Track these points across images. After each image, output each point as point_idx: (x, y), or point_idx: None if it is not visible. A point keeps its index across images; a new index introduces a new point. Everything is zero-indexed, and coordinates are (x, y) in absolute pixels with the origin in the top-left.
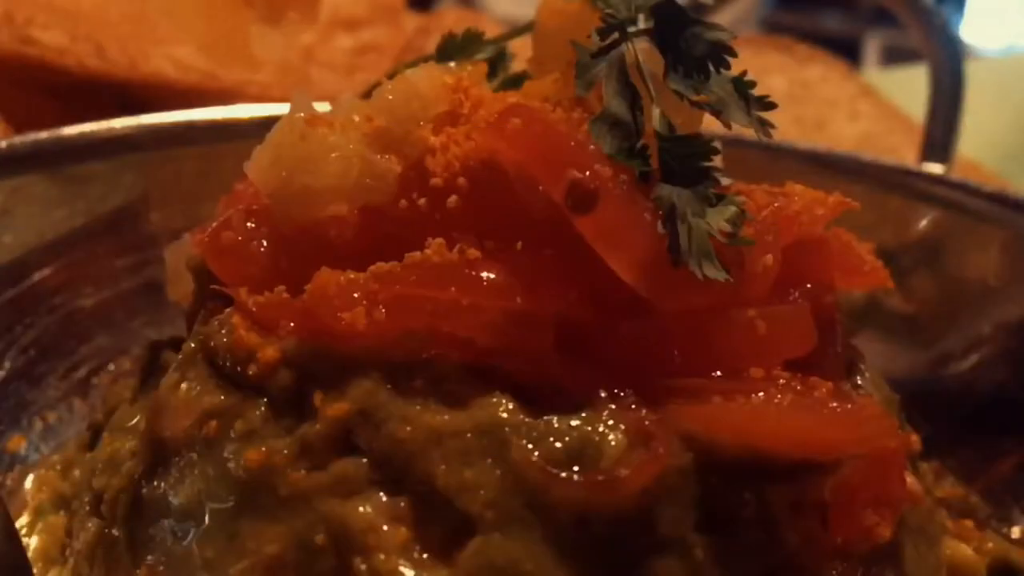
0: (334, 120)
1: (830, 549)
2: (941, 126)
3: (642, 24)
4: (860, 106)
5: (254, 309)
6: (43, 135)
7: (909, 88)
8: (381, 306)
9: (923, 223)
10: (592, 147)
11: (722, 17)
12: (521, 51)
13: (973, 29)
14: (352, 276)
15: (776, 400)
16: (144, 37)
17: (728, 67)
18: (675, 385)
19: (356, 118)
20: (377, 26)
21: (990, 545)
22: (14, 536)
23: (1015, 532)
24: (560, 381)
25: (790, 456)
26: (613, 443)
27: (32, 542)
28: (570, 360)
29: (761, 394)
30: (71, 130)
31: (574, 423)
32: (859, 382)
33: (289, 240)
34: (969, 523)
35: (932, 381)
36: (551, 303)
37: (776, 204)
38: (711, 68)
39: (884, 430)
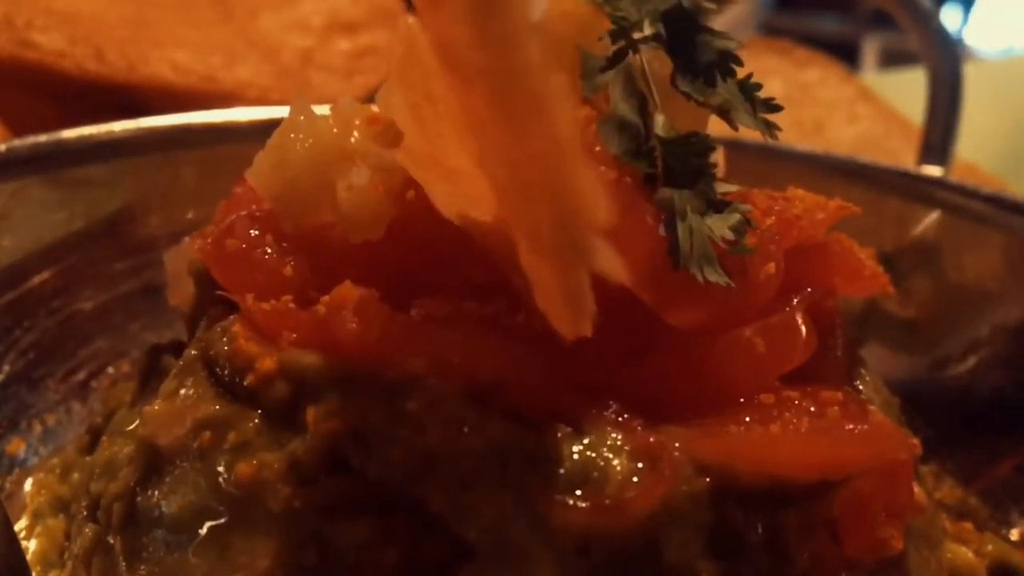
0: (336, 123)
1: (839, 564)
2: (939, 128)
3: (649, 28)
4: (858, 109)
5: (259, 317)
6: (42, 138)
7: (907, 91)
8: (398, 330)
9: (921, 225)
10: (597, 149)
11: (721, 20)
12: None
13: (971, 31)
14: (372, 294)
15: (792, 426)
16: (143, 40)
17: (734, 76)
18: (688, 418)
19: (357, 121)
20: (376, 29)
21: (990, 547)
22: (13, 539)
23: (1014, 534)
24: (564, 410)
25: (806, 479)
26: (618, 466)
27: (31, 545)
28: (575, 392)
29: (777, 423)
30: (70, 133)
31: (577, 447)
32: (859, 386)
33: (294, 247)
34: (969, 525)
35: (931, 384)
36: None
37: (777, 208)
38: (717, 76)
39: (896, 444)
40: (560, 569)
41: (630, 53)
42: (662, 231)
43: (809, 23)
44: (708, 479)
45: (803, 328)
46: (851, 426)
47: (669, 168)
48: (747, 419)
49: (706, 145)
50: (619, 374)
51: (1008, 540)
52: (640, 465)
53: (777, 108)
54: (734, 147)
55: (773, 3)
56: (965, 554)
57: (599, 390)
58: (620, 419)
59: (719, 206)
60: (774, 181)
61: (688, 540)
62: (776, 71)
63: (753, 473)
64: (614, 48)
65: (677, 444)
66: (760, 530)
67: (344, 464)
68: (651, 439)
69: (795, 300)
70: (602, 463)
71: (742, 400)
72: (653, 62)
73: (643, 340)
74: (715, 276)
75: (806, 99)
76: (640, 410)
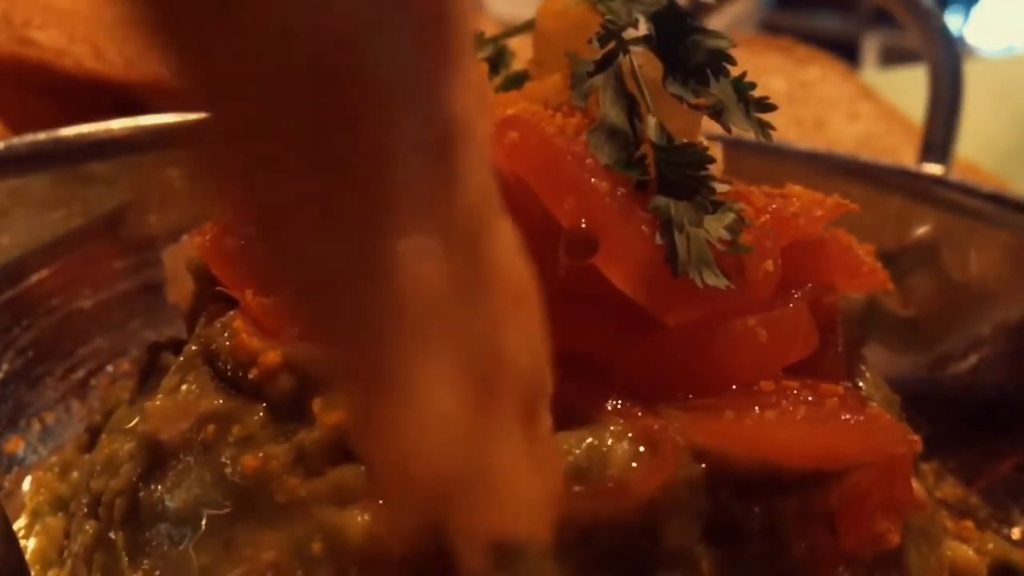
0: None
1: (836, 555)
2: (940, 127)
3: (642, 29)
4: (859, 107)
5: (260, 312)
6: (41, 136)
7: (908, 89)
8: None
9: (922, 224)
10: (589, 160)
11: (722, 18)
12: (521, 50)
13: (972, 29)
14: None
15: (788, 414)
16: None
17: (727, 75)
18: (685, 402)
19: None
20: None
21: (990, 546)
22: (12, 538)
23: (1015, 533)
24: (565, 397)
25: (802, 468)
26: (620, 453)
27: (30, 544)
28: (574, 382)
29: (774, 410)
30: (69, 131)
31: (579, 438)
32: (860, 383)
33: None
34: (969, 524)
35: (932, 382)
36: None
37: (774, 206)
38: (710, 76)
39: (895, 438)
40: (563, 558)
41: (620, 56)
42: (658, 238)
43: (810, 21)
44: (704, 464)
45: (806, 322)
46: (848, 417)
47: (664, 176)
48: (743, 404)
49: (703, 157)
50: (621, 353)
51: (1009, 539)
52: (642, 450)
53: (771, 107)
54: (734, 145)
55: (774, 1)
56: (966, 552)
57: (600, 370)
58: (621, 406)
59: (713, 206)
60: (774, 179)
61: (686, 526)
62: (777, 69)
63: (748, 459)
64: (603, 51)
65: (676, 426)
66: (757, 518)
67: (350, 455)
68: (654, 425)
69: (797, 295)
70: (605, 450)
71: (741, 387)
72: (645, 65)
73: (646, 321)
74: (714, 279)
75: (807, 97)
76: (641, 390)
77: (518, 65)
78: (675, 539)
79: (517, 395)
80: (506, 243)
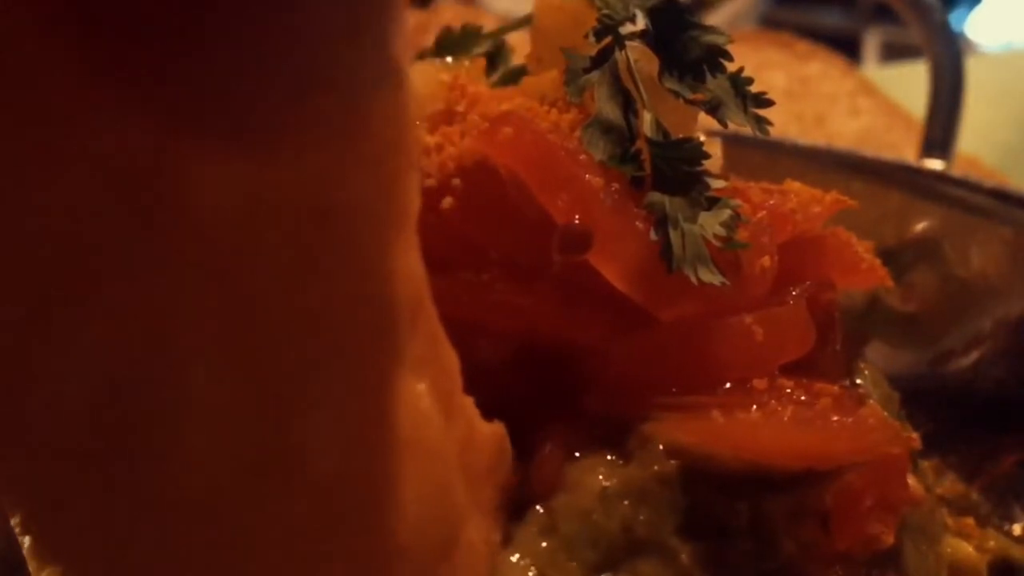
0: None
1: (830, 554)
2: (941, 122)
3: (640, 23)
4: (860, 102)
5: None
6: None
7: (909, 84)
8: None
9: (923, 220)
10: (583, 156)
11: (722, 14)
12: (521, 46)
13: (973, 25)
14: None
15: (776, 413)
16: None
17: (724, 71)
18: (671, 402)
19: None
20: None
21: (991, 543)
22: (10, 534)
23: (1016, 530)
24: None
25: (790, 468)
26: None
27: (27, 540)
28: (549, 393)
29: (761, 409)
30: None
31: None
32: (858, 380)
33: None
34: (970, 521)
35: (933, 378)
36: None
37: (771, 202)
38: (706, 71)
39: (888, 438)
40: (532, 547)
41: (616, 51)
42: (653, 235)
43: (811, 16)
44: (680, 461)
45: (803, 320)
46: (837, 417)
47: (659, 171)
48: (732, 403)
49: (698, 152)
50: (614, 349)
51: (1010, 536)
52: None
53: (768, 103)
54: (734, 141)
55: None
56: (966, 549)
57: (585, 377)
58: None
59: (709, 203)
60: (775, 175)
61: (658, 519)
62: (777, 64)
63: (733, 457)
64: (599, 47)
65: (650, 425)
66: (743, 515)
67: None
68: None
69: (795, 292)
70: None
71: (734, 384)
72: (640, 60)
73: (640, 317)
74: (709, 276)
75: (807, 92)
76: (632, 386)
77: (517, 60)
78: (644, 530)
79: None
80: None
